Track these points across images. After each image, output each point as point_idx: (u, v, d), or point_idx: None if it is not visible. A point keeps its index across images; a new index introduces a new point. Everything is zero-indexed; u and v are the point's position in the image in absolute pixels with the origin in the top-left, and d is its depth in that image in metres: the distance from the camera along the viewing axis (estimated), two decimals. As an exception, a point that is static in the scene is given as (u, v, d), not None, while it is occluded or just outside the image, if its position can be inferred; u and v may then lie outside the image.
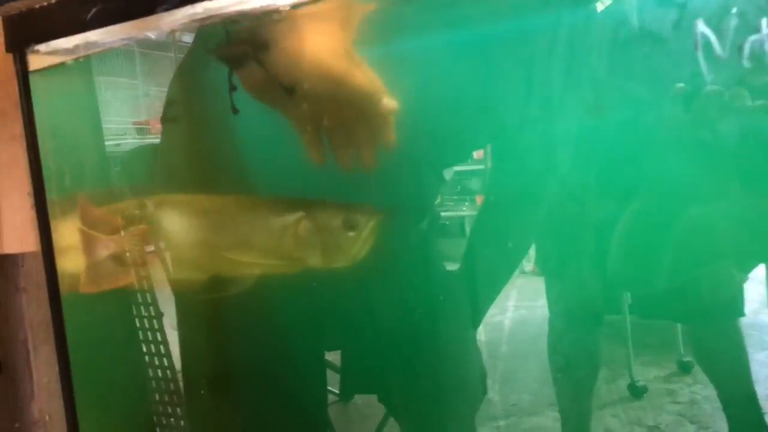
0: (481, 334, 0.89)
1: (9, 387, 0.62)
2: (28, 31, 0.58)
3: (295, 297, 0.72)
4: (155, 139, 0.81)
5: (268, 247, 0.63)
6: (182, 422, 0.80)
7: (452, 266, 0.85)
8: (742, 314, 1.16)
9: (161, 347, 0.78)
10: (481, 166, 2.07)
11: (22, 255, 0.61)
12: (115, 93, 3.39)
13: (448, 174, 0.81)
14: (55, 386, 0.63)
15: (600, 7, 0.80)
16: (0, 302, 0.62)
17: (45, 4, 0.56)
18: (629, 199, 0.78)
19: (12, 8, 0.57)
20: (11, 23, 0.58)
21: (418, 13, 0.64)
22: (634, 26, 0.76)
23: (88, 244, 0.61)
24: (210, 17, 0.51)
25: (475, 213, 1.75)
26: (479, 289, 0.84)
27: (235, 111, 0.58)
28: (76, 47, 0.57)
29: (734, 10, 0.62)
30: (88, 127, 0.74)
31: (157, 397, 0.81)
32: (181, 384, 0.80)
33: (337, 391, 1.36)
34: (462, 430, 0.89)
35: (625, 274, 0.85)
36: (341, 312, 0.80)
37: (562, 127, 0.75)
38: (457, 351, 0.86)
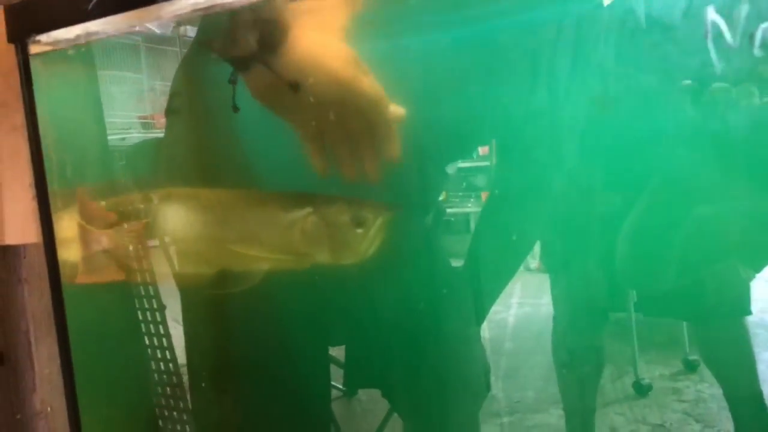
0: (485, 330, 0.88)
1: (11, 378, 0.62)
2: (29, 21, 0.57)
3: (299, 292, 0.71)
4: (160, 134, 0.81)
5: (276, 242, 0.63)
6: (184, 415, 0.80)
7: (458, 263, 0.85)
8: (748, 313, 1.16)
9: (163, 340, 0.78)
10: (486, 163, 2.06)
11: (24, 246, 0.61)
12: (120, 87, 3.39)
13: (451, 169, 0.80)
14: (57, 378, 0.63)
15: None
16: (2, 293, 0.62)
17: (47, -7, 0.56)
18: (636, 195, 0.77)
19: (14, -2, 0.57)
20: (13, 13, 0.58)
21: (422, 5, 0.63)
22: (643, 14, 0.74)
23: (83, 237, 0.61)
24: (212, 6, 0.50)
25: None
26: (483, 285, 0.83)
27: (236, 109, 0.57)
28: (78, 37, 0.56)
29: (745, -3, 0.60)
30: (90, 118, 0.74)
31: (159, 390, 0.81)
32: (183, 377, 0.80)
33: (340, 386, 1.36)
34: (465, 426, 0.89)
35: (633, 271, 0.85)
36: (345, 307, 0.80)
37: (568, 120, 0.74)
38: (460, 347, 0.86)
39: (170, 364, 0.79)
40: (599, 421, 1.36)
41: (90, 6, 0.53)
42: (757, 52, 0.58)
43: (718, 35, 0.59)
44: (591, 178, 0.85)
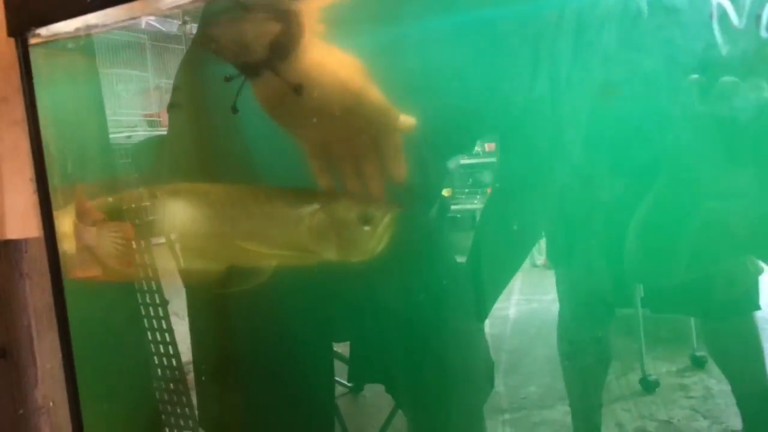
0: (488, 326, 0.88)
1: (13, 373, 0.62)
2: (29, 15, 0.57)
3: (303, 287, 0.71)
4: (165, 132, 0.81)
5: (283, 239, 0.63)
6: (187, 410, 0.80)
7: (463, 259, 0.84)
8: (757, 308, 1.14)
9: (166, 335, 0.78)
10: (492, 159, 2.05)
11: (26, 240, 0.61)
12: (127, 86, 3.40)
13: (454, 163, 0.80)
14: (59, 373, 0.63)
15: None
16: (3, 288, 0.62)
17: (46, -13, 0.55)
18: (643, 188, 0.76)
19: (14, -9, 0.56)
20: (12, 7, 0.58)
21: None
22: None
23: (75, 233, 0.61)
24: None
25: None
26: (487, 280, 0.83)
27: (235, 111, 0.57)
28: (77, 30, 0.56)
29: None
30: (91, 113, 0.74)
31: (162, 385, 0.81)
32: (186, 372, 0.80)
33: (345, 382, 1.36)
34: (469, 422, 0.88)
35: (641, 266, 0.84)
36: (350, 302, 0.79)
37: (571, 110, 0.73)
38: (464, 343, 0.86)
39: (173, 359, 0.79)
40: (606, 417, 1.36)
41: (89, -2, 0.52)
42: (763, 33, 0.57)
43: (724, 16, 0.58)
44: (596, 170, 0.84)
